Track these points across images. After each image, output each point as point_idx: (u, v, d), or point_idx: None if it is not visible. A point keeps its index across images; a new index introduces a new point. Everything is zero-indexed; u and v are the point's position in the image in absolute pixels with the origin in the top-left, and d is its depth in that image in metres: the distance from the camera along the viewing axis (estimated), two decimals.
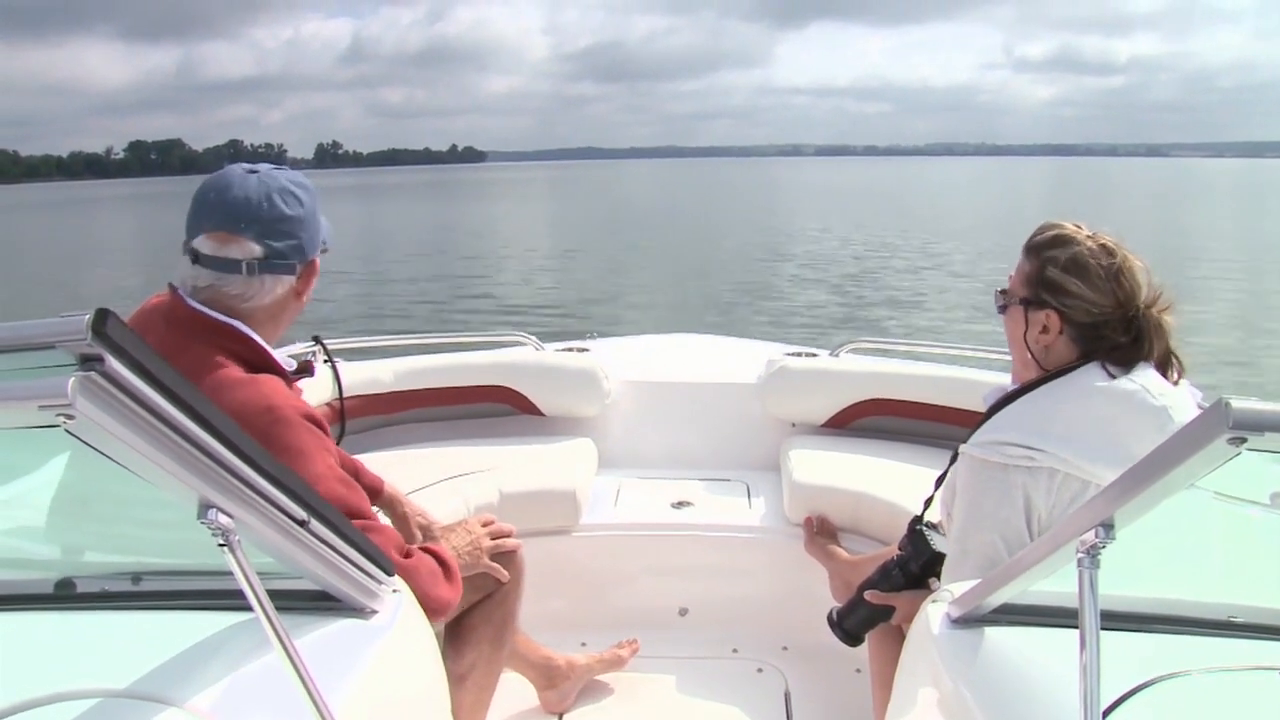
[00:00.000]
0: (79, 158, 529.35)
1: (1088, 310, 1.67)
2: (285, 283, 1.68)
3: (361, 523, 1.55)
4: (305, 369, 1.80)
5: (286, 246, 1.65)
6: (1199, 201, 52.95)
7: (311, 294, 1.76)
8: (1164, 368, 1.69)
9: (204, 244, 1.62)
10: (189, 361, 1.54)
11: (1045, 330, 1.71)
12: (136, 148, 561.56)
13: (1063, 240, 1.71)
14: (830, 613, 2.11)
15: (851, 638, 2.08)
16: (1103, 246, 1.68)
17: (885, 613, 1.99)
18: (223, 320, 1.62)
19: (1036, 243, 1.74)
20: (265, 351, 1.66)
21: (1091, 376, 1.65)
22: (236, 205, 1.62)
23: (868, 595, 2.00)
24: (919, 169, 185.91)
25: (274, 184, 1.65)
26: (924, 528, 1.98)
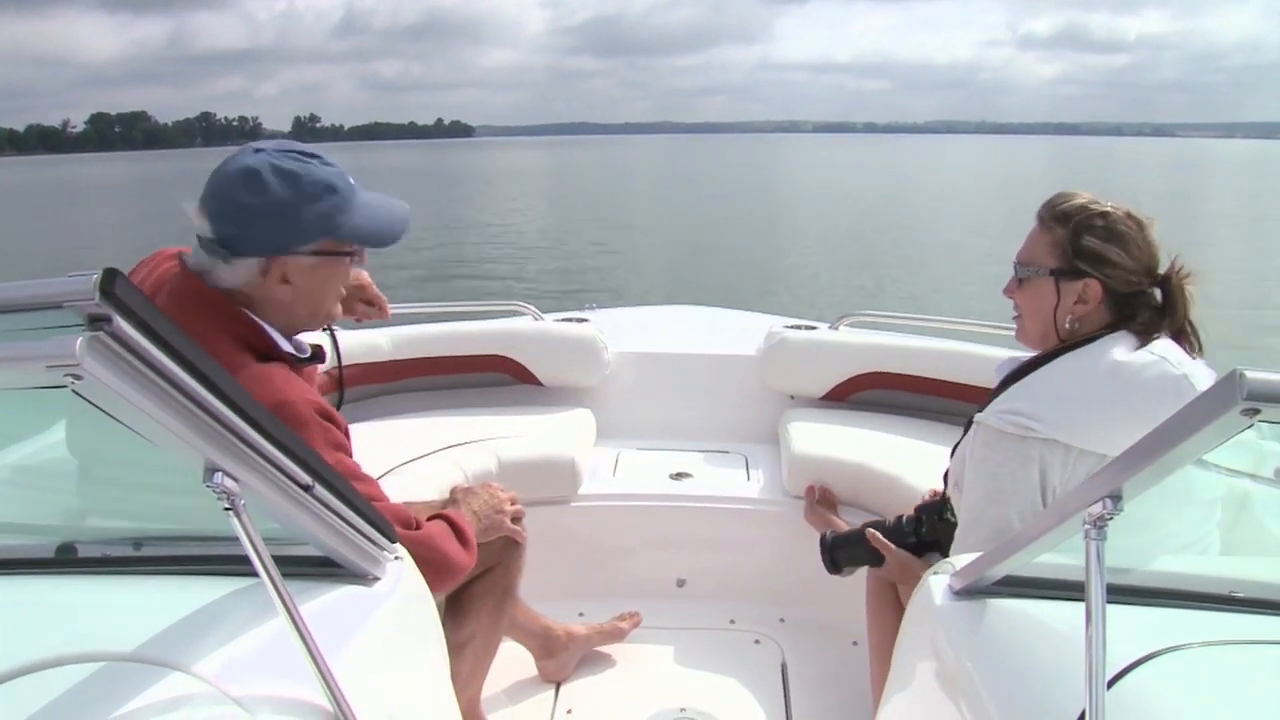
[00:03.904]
0: (34, 131, 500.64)
1: (1128, 280, 1.66)
2: (243, 269, 1.59)
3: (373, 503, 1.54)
4: (317, 355, 1.76)
5: (235, 234, 1.57)
6: (1211, 182, 52.72)
7: (335, 285, 1.68)
8: (1181, 339, 1.68)
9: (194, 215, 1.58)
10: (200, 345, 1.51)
11: (1081, 301, 1.69)
12: (98, 120, 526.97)
13: (1094, 208, 1.69)
14: (825, 535, 2.13)
15: (836, 566, 2.11)
16: (1129, 215, 1.68)
17: (874, 559, 2.01)
18: (227, 304, 1.58)
19: (1063, 211, 1.71)
20: (270, 339, 1.62)
21: (1110, 347, 1.64)
22: (211, 180, 1.57)
23: (869, 534, 2.01)
24: (919, 147, 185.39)
25: (257, 165, 1.57)
26: (951, 516, 1.98)
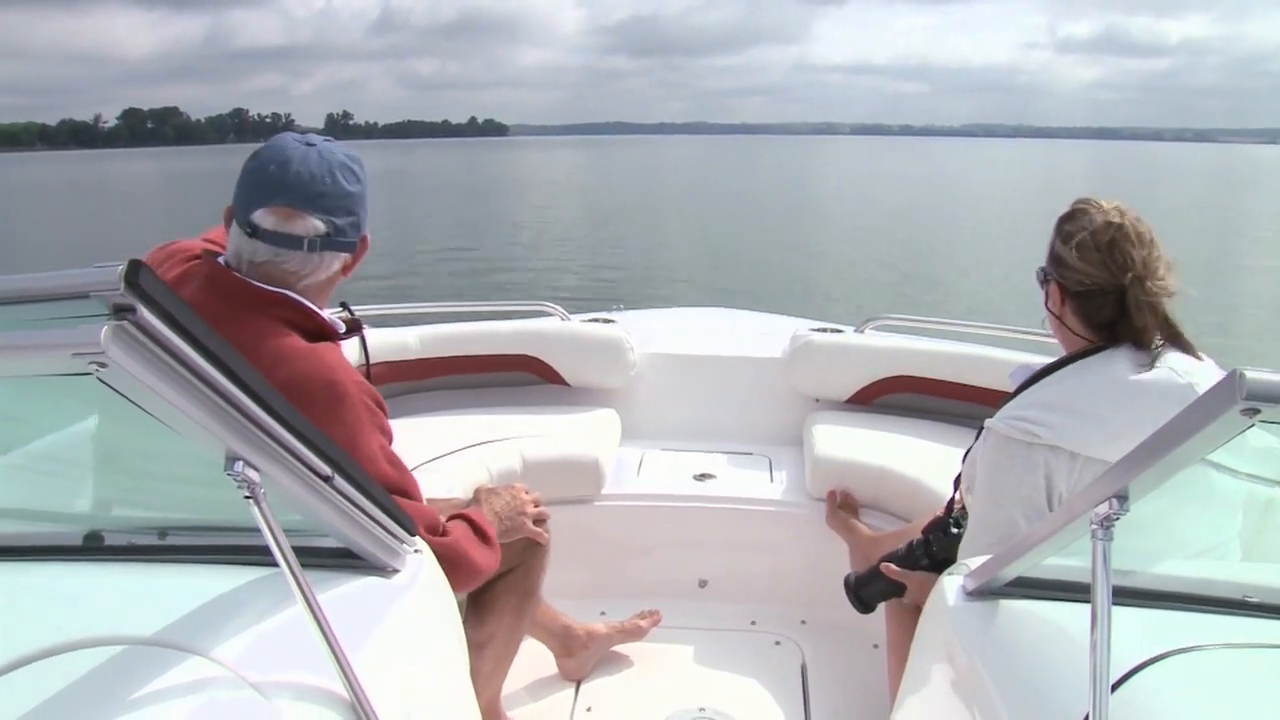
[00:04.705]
0: (66, 126, 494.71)
1: (1079, 281, 1.69)
2: (342, 259, 1.67)
3: (402, 501, 1.56)
4: (355, 327, 1.81)
5: (347, 224, 1.63)
6: (1255, 189, 51.70)
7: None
8: (1183, 348, 1.67)
9: (265, 219, 1.58)
10: (247, 333, 1.52)
11: (1054, 301, 1.75)
12: (130, 116, 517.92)
13: (1075, 214, 1.73)
14: (848, 577, 2.13)
15: (864, 605, 2.10)
16: (1107, 222, 1.68)
17: (900, 588, 2.01)
18: (276, 291, 1.61)
19: (1061, 217, 1.76)
20: (321, 318, 1.66)
21: (1117, 357, 1.65)
22: (301, 181, 1.58)
23: (883, 568, 2.01)
24: (955, 150, 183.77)
25: (334, 159, 1.62)
26: (955, 529, 1.97)
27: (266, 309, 1.59)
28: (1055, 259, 1.73)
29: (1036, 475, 1.61)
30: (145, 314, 0.77)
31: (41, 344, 0.75)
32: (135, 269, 0.75)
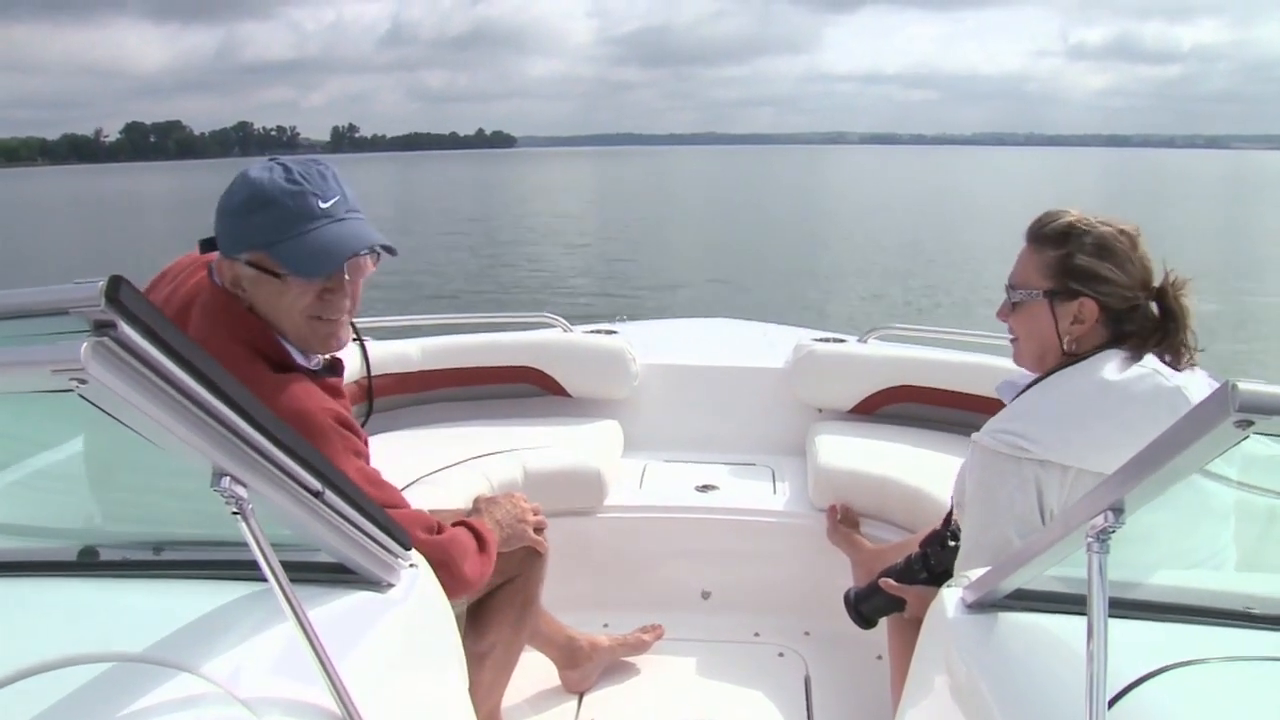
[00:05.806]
0: (66, 140, 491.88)
1: (1123, 296, 1.63)
2: (229, 269, 1.65)
3: (394, 510, 1.57)
4: (333, 367, 1.79)
5: (217, 233, 1.65)
6: (1269, 196, 51.39)
7: (282, 305, 1.64)
8: (1175, 353, 1.64)
9: None
10: (215, 355, 1.52)
11: (1078, 320, 1.65)
12: (132, 130, 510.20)
13: (1083, 226, 1.65)
14: (848, 592, 2.12)
15: (865, 620, 2.08)
16: (1121, 231, 1.65)
17: (900, 602, 1.99)
18: (245, 314, 1.64)
19: (1052, 231, 1.68)
20: (282, 348, 1.67)
21: (1103, 364, 1.61)
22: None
23: (882, 583, 1.99)
24: (967, 158, 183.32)
25: (246, 170, 1.65)
26: (952, 541, 1.95)
27: (237, 331, 1.63)
28: (1085, 275, 1.63)
29: (1028, 491, 1.56)
30: (126, 330, 0.77)
31: (20, 360, 0.75)
32: (116, 285, 0.75)
